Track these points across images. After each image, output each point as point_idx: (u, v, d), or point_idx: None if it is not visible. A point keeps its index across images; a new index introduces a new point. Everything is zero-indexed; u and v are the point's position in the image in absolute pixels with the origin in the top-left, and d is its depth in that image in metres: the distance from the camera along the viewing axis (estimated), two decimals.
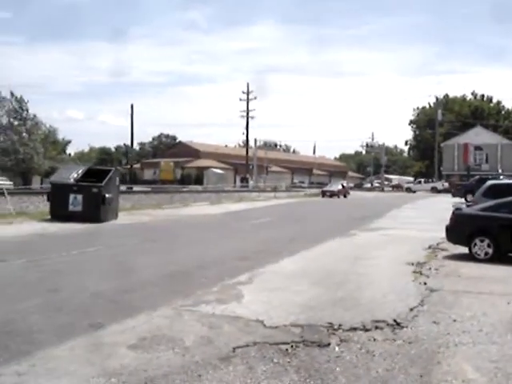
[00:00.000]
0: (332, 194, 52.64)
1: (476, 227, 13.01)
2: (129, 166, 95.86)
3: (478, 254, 12.74)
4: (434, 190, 65.62)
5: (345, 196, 54.16)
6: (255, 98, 77.19)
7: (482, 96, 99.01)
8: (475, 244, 12.80)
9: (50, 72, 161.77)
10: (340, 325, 7.14)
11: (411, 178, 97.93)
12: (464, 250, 13.13)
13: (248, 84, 76.55)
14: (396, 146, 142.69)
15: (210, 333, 6.68)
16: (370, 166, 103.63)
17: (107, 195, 21.57)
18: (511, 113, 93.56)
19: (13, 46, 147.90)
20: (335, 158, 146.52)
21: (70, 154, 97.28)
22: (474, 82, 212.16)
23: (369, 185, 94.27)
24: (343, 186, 57.51)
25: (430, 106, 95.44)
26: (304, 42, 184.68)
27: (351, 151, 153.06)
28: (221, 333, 6.74)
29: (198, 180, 74.26)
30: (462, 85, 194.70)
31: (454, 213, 13.69)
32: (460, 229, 13.28)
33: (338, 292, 9.08)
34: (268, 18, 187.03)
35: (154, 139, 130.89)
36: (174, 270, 11.04)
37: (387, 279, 10.25)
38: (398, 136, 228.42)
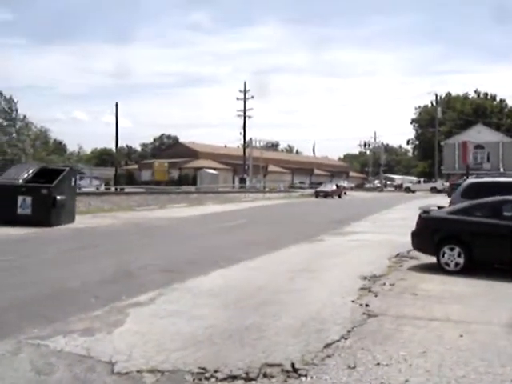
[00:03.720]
0: (326, 195, 50.75)
1: (445, 233, 11.03)
2: (127, 167, 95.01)
3: (448, 265, 10.76)
4: (434, 190, 63.53)
5: (339, 196, 52.29)
6: (252, 97, 75.63)
7: (486, 94, 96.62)
8: (444, 253, 10.81)
9: (54, 74, 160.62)
10: (216, 371, 5.24)
11: (415, 178, 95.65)
12: None
13: (245, 83, 75.13)
14: (400, 146, 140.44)
15: (32, 382, 4.84)
16: (369, 166, 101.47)
17: (58, 197, 19.67)
18: None
19: (16, 49, 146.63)
20: (339, 159, 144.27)
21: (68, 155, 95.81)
22: (478, 81, 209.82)
23: (370, 185, 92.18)
24: (337, 187, 55.77)
25: (431, 104, 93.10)
26: (306, 42, 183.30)
27: (356, 151, 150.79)
28: (45, 382, 4.87)
29: (195, 181, 72.50)
30: (465, 84, 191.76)
31: (420, 216, 11.68)
32: (427, 235, 11.29)
33: (250, 318, 7.13)
34: (270, 18, 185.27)
35: (155, 140, 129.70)
36: (67, 286, 9.12)
37: (323, 299, 8.28)
38: (402, 136, 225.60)
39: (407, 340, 6.26)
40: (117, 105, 54.26)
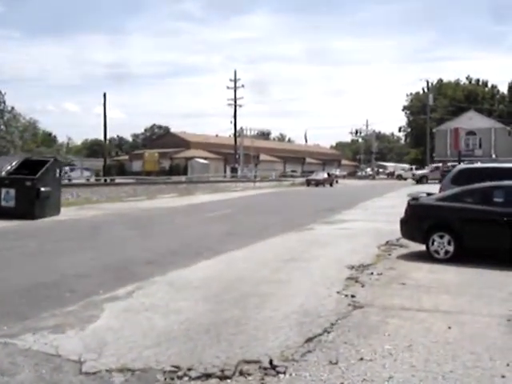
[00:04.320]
0: (317, 183, 50.45)
1: (434, 221, 10.75)
2: (117, 157, 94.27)
3: (437, 253, 10.49)
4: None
5: (331, 185, 52.00)
6: (242, 86, 75.16)
7: (477, 80, 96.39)
8: (433, 241, 10.53)
9: (45, 65, 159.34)
10: (190, 369, 4.96)
11: (407, 165, 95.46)
12: None
13: (235, 72, 74.50)
14: (393, 134, 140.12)
15: None
16: (360, 154, 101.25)
17: (42, 189, 19.23)
18: (506, 97, 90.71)
19: (8, 41, 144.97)
20: (331, 147, 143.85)
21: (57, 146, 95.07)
22: (470, 68, 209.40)
23: (363, 173, 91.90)
24: (329, 175, 55.45)
25: (423, 91, 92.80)
26: (298, 31, 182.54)
27: (348, 139, 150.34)
28: (8, 383, 4.58)
29: (186, 171, 72.07)
30: (457, 71, 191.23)
31: (409, 203, 11.38)
32: (416, 223, 11.01)
33: (229, 311, 6.83)
34: (262, 7, 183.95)
35: (146, 130, 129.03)
36: (43, 280, 8.78)
37: (307, 290, 7.98)
38: (394, 123, 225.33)
39: (393, 333, 5.98)
40: (105, 95, 53.78)
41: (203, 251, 11.46)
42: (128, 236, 14.55)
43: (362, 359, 5.16)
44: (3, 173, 19.45)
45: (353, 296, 7.58)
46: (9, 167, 19.94)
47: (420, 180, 53.20)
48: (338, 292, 7.83)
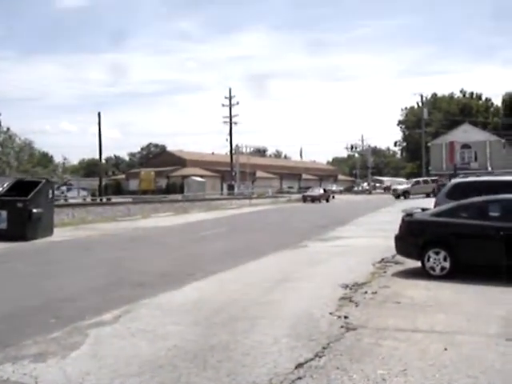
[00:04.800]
0: (313, 199, 50.22)
1: (429, 237, 10.54)
2: (114, 176, 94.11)
3: (433, 270, 10.27)
4: None
5: (327, 200, 51.79)
6: (237, 103, 75.16)
7: (471, 94, 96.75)
8: (429, 257, 10.32)
9: (42, 85, 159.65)
10: None
11: (403, 180, 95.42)
12: None
13: (230, 89, 74.53)
14: (389, 148, 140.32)
15: None
16: (356, 169, 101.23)
17: (35, 210, 19.03)
18: (500, 109, 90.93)
19: (5, 61, 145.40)
20: (328, 162, 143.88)
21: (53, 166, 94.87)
22: (463, 82, 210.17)
23: (359, 188, 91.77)
24: (325, 191, 55.29)
25: (418, 105, 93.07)
26: (293, 47, 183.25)
27: (344, 155, 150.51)
28: None
29: (183, 189, 71.80)
30: (451, 84, 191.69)
31: (403, 219, 11.18)
32: (411, 239, 10.81)
33: (218, 336, 6.59)
34: (259, 24, 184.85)
35: (142, 149, 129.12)
36: (28, 304, 8.56)
37: (298, 312, 7.75)
38: (390, 138, 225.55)
39: (387, 356, 5.76)
40: (99, 114, 53.76)
41: (195, 272, 11.23)
42: (119, 257, 14.30)
43: None
44: None
45: (346, 317, 7.36)
46: (0, 188, 19.68)
47: (402, 195, 50.58)
48: (330, 313, 7.60)
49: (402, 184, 58.49)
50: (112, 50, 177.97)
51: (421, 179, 54.50)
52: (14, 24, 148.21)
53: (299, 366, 5.48)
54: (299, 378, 5.16)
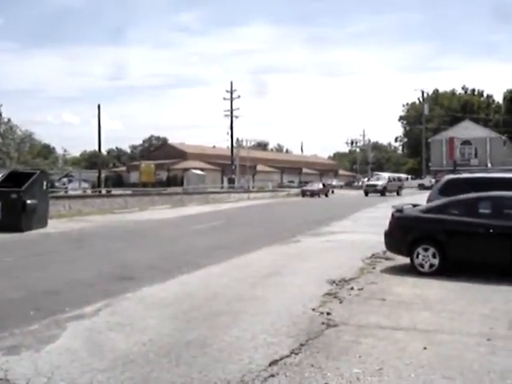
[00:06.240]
0: (312, 194, 50.13)
1: (419, 233, 10.44)
2: (115, 168, 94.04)
3: (422, 267, 10.18)
4: (422, 187, 62.99)
5: (326, 195, 51.70)
6: (239, 97, 74.94)
7: (473, 90, 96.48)
8: (418, 254, 10.22)
9: (45, 77, 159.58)
10: None
11: (404, 175, 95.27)
12: None
13: (231, 83, 74.28)
14: (390, 144, 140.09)
15: None
16: (357, 164, 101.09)
17: (29, 201, 18.92)
18: (501, 106, 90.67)
19: (7, 53, 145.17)
20: (329, 157, 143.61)
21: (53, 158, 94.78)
22: (465, 78, 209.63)
23: (360, 183, 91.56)
24: (324, 185, 55.14)
25: (419, 101, 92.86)
26: (295, 42, 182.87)
27: (346, 150, 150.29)
28: None
29: (183, 182, 71.72)
30: (453, 80, 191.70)
31: (393, 215, 11.08)
32: (400, 235, 10.70)
33: (196, 331, 6.51)
34: (260, 18, 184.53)
35: (144, 141, 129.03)
36: (9, 296, 8.48)
37: (281, 308, 7.65)
38: (391, 133, 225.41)
39: (364, 354, 5.66)
40: (99, 107, 53.61)
41: (183, 265, 11.13)
42: (109, 249, 14.22)
43: None
44: None
45: (328, 313, 7.27)
46: None
47: (380, 193, 47.88)
48: (313, 309, 7.51)
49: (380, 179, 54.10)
50: (113, 43, 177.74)
51: (397, 176, 53.38)
52: (15, 16, 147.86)
53: (274, 362, 5.39)
54: (272, 376, 5.07)
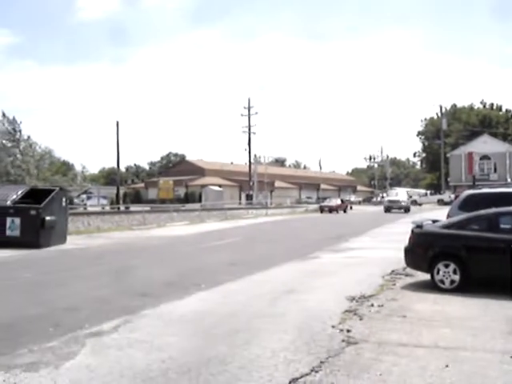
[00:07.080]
0: (331, 210, 49.97)
1: (439, 249, 10.33)
2: (134, 185, 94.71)
3: (443, 283, 10.06)
4: (441, 202, 62.62)
5: (344, 211, 51.49)
6: (256, 113, 75.22)
7: (492, 105, 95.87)
8: (438, 270, 10.10)
9: (64, 95, 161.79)
10: None
11: (422, 190, 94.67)
12: None
13: (249, 99, 74.66)
14: (408, 159, 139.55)
15: None
16: (375, 180, 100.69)
17: (48, 218, 19.13)
18: None
19: (25, 70, 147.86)
20: (347, 173, 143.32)
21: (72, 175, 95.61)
22: (484, 92, 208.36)
23: (378, 198, 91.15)
24: (342, 201, 54.96)
25: (437, 116, 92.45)
26: (311, 58, 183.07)
27: (364, 166, 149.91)
28: None
29: (201, 198, 71.89)
30: (472, 95, 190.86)
31: (412, 231, 10.98)
32: (420, 251, 10.60)
33: (215, 348, 6.47)
34: (275, 34, 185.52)
35: (162, 158, 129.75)
36: (28, 313, 8.50)
37: (301, 325, 7.59)
38: (409, 148, 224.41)
39: (386, 372, 5.58)
40: (117, 123, 54.00)
41: (201, 282, 11.11)
42: (128, 266, 14.26)
43: None
44: (8, 202, 19.30)
45: (348, 331, 7.19)
46: (14, 196, 19.81)
47: (403, 209, 46.62)
48: (333, 326, 7.44)
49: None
50: (130, 60, 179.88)
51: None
52: (34, 34, 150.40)
53: (294, 380, 5.34)
54: None
